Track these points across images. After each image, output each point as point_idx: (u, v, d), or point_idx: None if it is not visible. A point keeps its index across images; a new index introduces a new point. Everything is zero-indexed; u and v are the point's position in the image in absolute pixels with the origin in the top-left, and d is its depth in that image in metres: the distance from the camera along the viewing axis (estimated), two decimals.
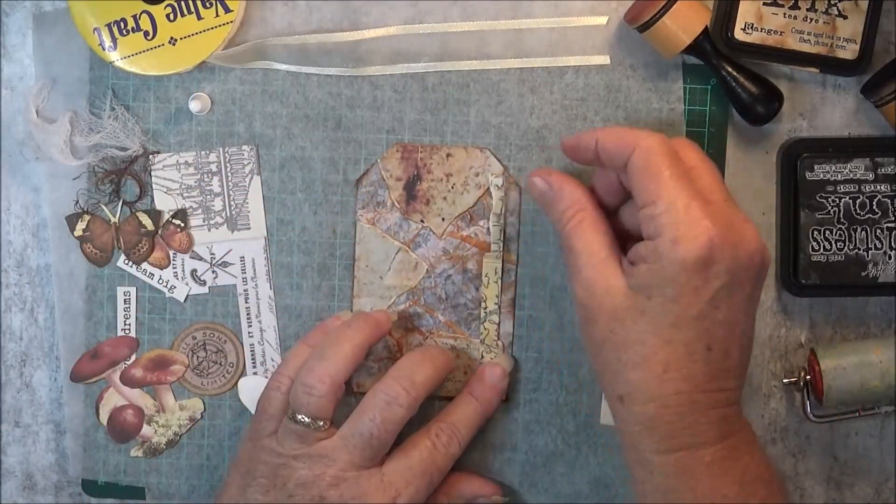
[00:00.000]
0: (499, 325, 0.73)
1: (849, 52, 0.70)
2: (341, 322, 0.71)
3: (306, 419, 0.67)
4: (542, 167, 0.70)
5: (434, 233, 0.73)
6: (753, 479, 0.63)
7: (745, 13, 0.69)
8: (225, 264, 0.74)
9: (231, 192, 0.73)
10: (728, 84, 0.70)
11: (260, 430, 0.69)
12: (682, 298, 0.60)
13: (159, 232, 0.73)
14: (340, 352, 0.68)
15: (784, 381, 0.74)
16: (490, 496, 0.72)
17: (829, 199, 0.71)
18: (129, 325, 0.74)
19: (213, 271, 0.74)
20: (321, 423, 0.67)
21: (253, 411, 0.73)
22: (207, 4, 0.69)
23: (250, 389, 0.74)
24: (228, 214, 0.73)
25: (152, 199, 0.73)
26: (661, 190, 0.60)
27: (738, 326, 0.62)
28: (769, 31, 0.70)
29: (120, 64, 0.70)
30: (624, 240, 0.66)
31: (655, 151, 0.61)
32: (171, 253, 0.74)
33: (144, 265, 0.74)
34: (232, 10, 0.70)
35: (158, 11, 0.69)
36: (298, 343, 0.71)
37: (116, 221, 0.73)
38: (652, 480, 0.63)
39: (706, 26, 0.69)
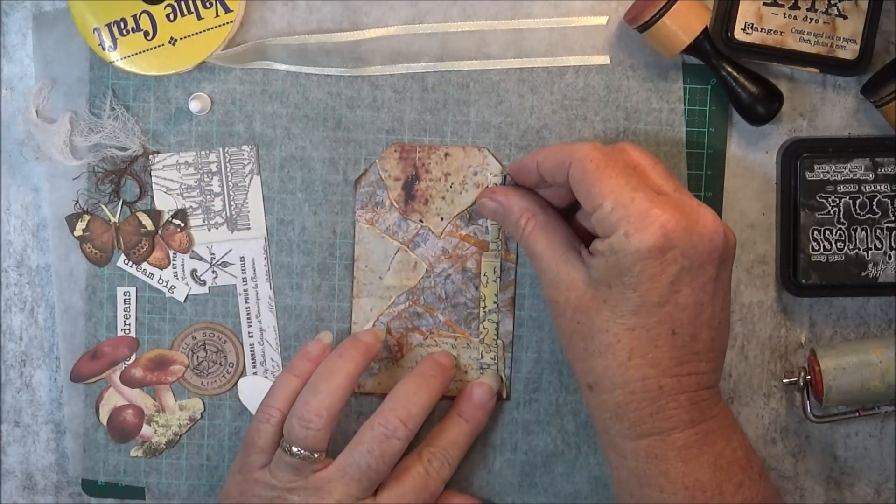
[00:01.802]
0: (498, 324, 0.73)
1: (849, 52, 0.70)
2: (332, 351, 0.71)
3: (303, 452, 0.67)
4: (487, 187, 0.72)
5: (433, 232, 0.73)
6: (729, 464, 0.63)
7: (745, 13, 0.69)
8: (225, 264, 0.74)
9: (231, 192, 0.73)
10: (728, 84, 0.70)
11: (250, 462, 0.69)
12: (640, 286, 0.61)
13: (159, 232, 0.73)
14: (335, 384, 0.68)
15: (784, 381, 0.74)
16: None
17: (829, 199, 0.71)
18: (129, 325, 0.74)
19: (213, 271, 0.74)
20: (317, 456, 0.67)
21: (253, 411, 0.73)
22: (207, 4, 0.69)
23: (250, 389, 0.74)
24: (228, 214, 0.73)
25: (152, 199, 0.73)
26: (604, 190, 0.61)
27: (706, 309, 0.62)
28: (769, 31, 0.70)
29: (120, 64, 0.70)
30: (586, 240, 0.66)
31: (589, 157, 0.62)
32: (171, 253, 0.74)
33: (144, 265, 0.74)
34: (232, 10, 0.70)
35: (158, 11, 0.69)
36: (283, 373, 0.71)
37: (116, 221, 0.73)
38: (626, 465, 0.64)
39: (706, 26, 0.69)
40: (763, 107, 0.70)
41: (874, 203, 0.71)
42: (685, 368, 0.62)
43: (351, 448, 0.68)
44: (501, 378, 0.73)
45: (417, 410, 0.69)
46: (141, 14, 0.69)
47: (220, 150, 0.73)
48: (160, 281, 0.74)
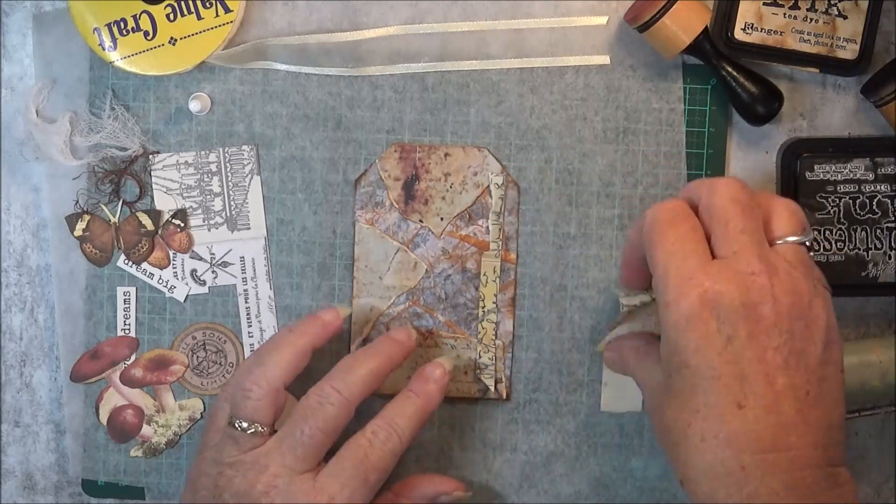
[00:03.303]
0: (497, 324, 0.73)
1: (849, 52, 0.70)
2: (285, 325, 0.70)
3: (244, 423, 0.66)
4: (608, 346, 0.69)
5: (433, 232, 0.73)
6: None
7: (745, 13, 0.69)
8: (225, 264, 0.74)
9: (231, 192, 0.73)
10: (728, 84, 0.70)
11: (206, 441, 0.68)
12: (690, 361, 0.58)
13: (159, 232, 0.73)
14: (278, 356, 0.67)
15: None
16: (451, 492, 0.71)
17: (829, 199, 0.71)
18: (129, 325, 0.74)
19: (213, 271, 0.74)
20: (259, 428, 0.66)
21: None
22: (207, 4, 0.69)
23: None
24: (228, 214, 0.73)
25: (152, 199, 0.73)
26: (657, 256, 0.59)
27: (778, 380, 0.57)
28: (769, 31, 0.70)
29: (120, 64, 0.70)
30: None
31: (656, 219, 0.60)
32: (171, 253, 0.74)
33: (144, 265, 0.74)
34: (232, 10, 0.70)
35: (158, 11, 0.69)
36: (251, 354, 0.71)
37: (116, 221, 0.73)
38: None
39: (706, 26, 0.69)
40: (763, 107, 0.70)
41: (874, 203, 0.71)
42: (772, 444, 0.57)
43: (288, 422, 0.66)
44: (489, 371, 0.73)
45: (355, 379, 0.67)
46: (141, 14, 0.69)
47: (220, 150, 0.73)
48: (160, 281, 0.74)
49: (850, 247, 0.71)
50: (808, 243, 0.60)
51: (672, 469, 0.61)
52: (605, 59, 0.72)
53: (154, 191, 0.73)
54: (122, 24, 0.69)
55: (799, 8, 0.69)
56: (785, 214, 0.60)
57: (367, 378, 0.67)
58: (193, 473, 0.68)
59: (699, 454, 0.58)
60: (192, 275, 0.74)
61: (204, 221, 0.73)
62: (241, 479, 0.65)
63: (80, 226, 0.73)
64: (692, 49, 0.69)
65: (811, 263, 0.60)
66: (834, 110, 0.73)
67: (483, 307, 0.73)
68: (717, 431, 0.57)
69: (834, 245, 0.71)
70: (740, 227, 0.58)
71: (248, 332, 0.74)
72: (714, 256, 0.59)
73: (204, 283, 0.74)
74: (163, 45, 0.70)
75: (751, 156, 0.73)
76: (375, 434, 0.66)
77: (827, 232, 0.71)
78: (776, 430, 0.57)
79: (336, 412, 0.66)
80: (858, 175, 0.71)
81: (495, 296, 0.73)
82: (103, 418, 0.75)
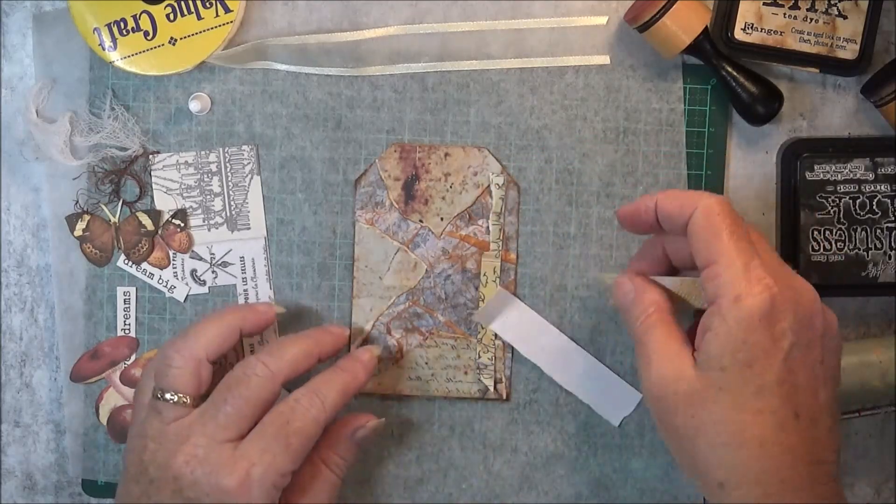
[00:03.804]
0: None
1: (849, 52, 0.70)
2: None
3: (166, 394, 0.65)
4: (624, 272, 0.66)
5: (433, 232, 0.73)
6: None
7: (745, 13, 0.69)
8: (225, 264, 0.74)
9: (231, 192, 0.73)
10: (728, 84, 0.70)
11: (134, 418, 0.68)
12: (756, 362, 0.57)
13: (159, 232, 0.73)
14: (202, 329, 0.67)
15: None
16: (365, 423, 0.70)
17: (829, 199, 0.71)
18: (129, 325, 0.74)
19: (213, 271, 0.74)
20: (181, 398, 0.65)
21: None
22: (207, 4, 0.69)
23: None
24: (228, 214, 0.73)
25: (152, 199, 0.73)
26: (722, 248, 0.59)
27: (820, 393, 0.59)
28: (769, 31, 0.70)
29: (120, 64, 0.70)
30: None
31: (716, 211, 0.59)
32: (171, 253, 0.74)
33: (144, 265, 0.74)
34: (232, 10, 0.70)
35: (158, 11, 0.69)
36: None
37: (116, 221, 0.73)
38: None
39: (706, 26, 0.69)
40: (763, 107, 0.70)
41: (874, 203, 0.71)
42: (816, 456, 0.58)
43: (213, 393, 0.66)
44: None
45: (284, 355, 0.67)
46: (141, 14, 0.69)
47: (220, 150, 0.73)
48: (160, 281, 0.74)
49: (850, 247, 0.71)
50: None
51: (698, 469, 0.60)
52: (605, 59, 0.72)
53: (154, 191, 0.73)
54: (122, 24, 0.69)
55: (799, 8, 0.69)
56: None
57: (296, 356, 0.67)
58: (124, 452, 0.67)
59: (755, 459, 0.57)
60: (192, 275, 0.74)
61: (204, 221, 0.73)
62: (163, 451, 0.64)
63: (80, 226, 0.73)
64: (692, 49, 0.69)
65: None
66: (834, 110, 0.73)
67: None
68: (777, 438, 0.57)
69: (834, 245, 0.71)
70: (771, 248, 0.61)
71: None
72: None
73: (204, 283, 0.74)
74: (163, 45, 0.70)
75: (751, 156, 0.73)
76: (298, 401, 0.66)
77: (827, 232, 0.71)
78: (817, 443, 0.58)
79: (261, 383, 0.65)
80: (858, 175, 0.71)
81: None
82: (103, 418, 0.75)
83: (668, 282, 0.64)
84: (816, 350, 0.59)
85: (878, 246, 0.71)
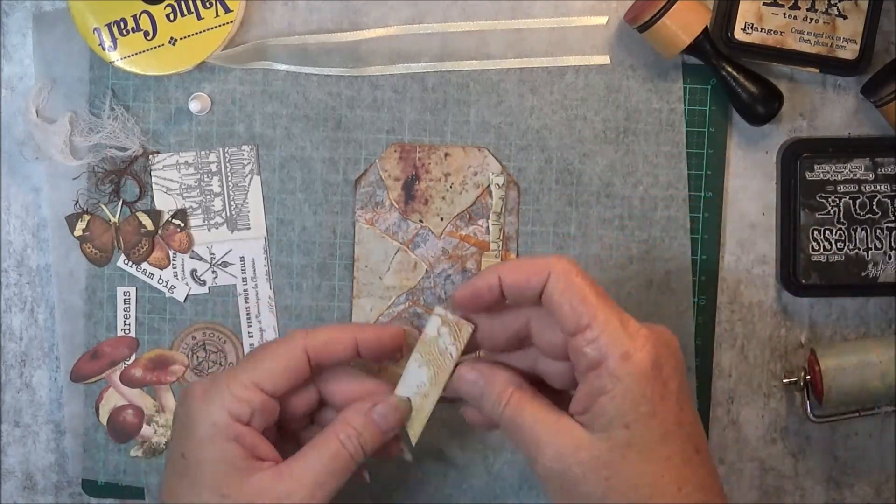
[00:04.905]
0: None
1: (849, 52, 0.70)
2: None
3: None
4: (467, 360, 0.64)
5: (433, 232, 0.73)
6: None
7: (745, 13, 0.69)
8: (225, 264, 0.74)
9: (231, 192, 0.73)
10: (728, 84, 0.70)
11: None
12: (657, 411, 0.57)
13: (159, 232, 0.73)
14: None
15: (784, 381, 0.74)
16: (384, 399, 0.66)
17: (829, 199, 0.71)
18: (129, 325, 0.74)
19: (213, 271, 0.74)
20: None
21: None
22: (207, 4, 0.69)
23: None
24: (228, 214, 0.73)
25: (152, 199, 0.73)
26: (593, 310, 0.57)
27: (699, 426, 0.60)
28: (769, 31, 0.70)
29: (120, 64, 0.70)
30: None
31: (573, 273, 0.58)
32: (170, 253, 0.74)
33: (144, 265, 0.74)
34: (232, 11, 0.70)
35: (158, 11, 0.69)
36: None
37: (116, 221, 0.73)
38: None
39: (706, 26, 0.69)
40: (763, 107, 0.70)
41: (874, 203, 0.71)
42: (717, 486, 0.60)
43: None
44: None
45: (318, 329, 0.65)
46: (141, 14, 0.69)
47: (220, 150, 0.73)
48: (160, 281, 0.74)
49: (850, 247, 0.71)
50: None
51: None
52: (605, 59, 0.72)
53: (154, 191, 0.73)
54: (122, 24, 0.69)
55: (799, 8, 0.69)
56: None
57: (331, 334, 0.65)
58: None
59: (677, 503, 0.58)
60: (192, 275, 0.74)
61: (204, 221, 0.73)
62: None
63: (80, 226, 0.73)
64: (692, 49, 0.69)
65: None
66: (834, 110, 0.73)
67: None
68: (688, 477, 0.58)
69: (834, 245, 0.71)
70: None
71: (248, 332, 0.74)
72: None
73: (204, 283, 0.74)
74: (163, 45, 0.70)
75: (751, 156, 0.73)
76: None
77: (827, 232, 0.71)
78: (714, 476, 0.60)
79: (285, 341, 0.65)
80: (858, 175, 0.71)
81: None
82: (103, 418, 0.75)
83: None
84: (686, 384, 0.59)
85: (878, 246, 0.71)
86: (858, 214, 0.71)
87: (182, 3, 0.69)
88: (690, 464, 0.58)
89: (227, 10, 0.70)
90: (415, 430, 0.65)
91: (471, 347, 0.63)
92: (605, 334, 0.57)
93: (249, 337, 0.74)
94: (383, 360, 0.68)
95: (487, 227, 0.73)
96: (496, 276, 0.60)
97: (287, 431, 0.67)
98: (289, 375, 0.64)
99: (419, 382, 0.65)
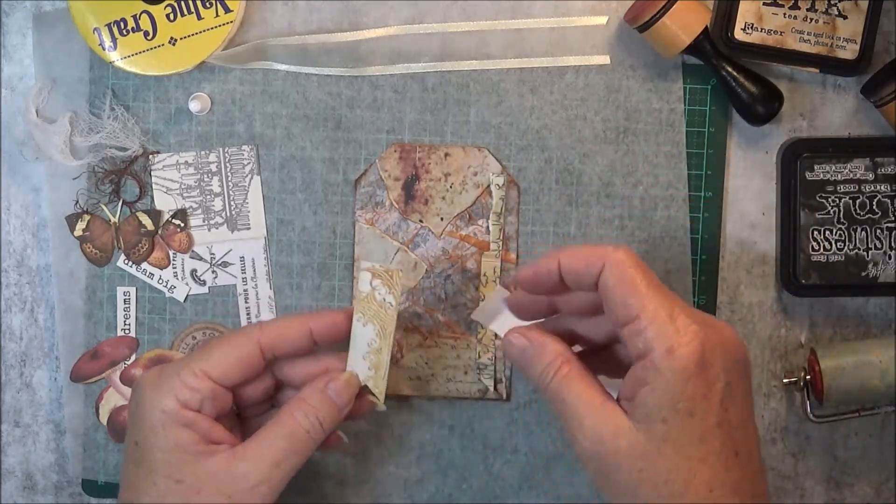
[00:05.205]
0: None
1: (849, 52, 0.70)
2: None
3: None
4: (517, 327, 0.64)
5: (433, 232, 0.73)
6: None
7: (745, 13, 0.69)
8: (225, 264, 0.74)
9: (231, 192, 0.73)
10: (728, 84, 0.70)
11: None
12: (696, 410, 0.57)
13: (159, 232, 0.73)
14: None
15: (784, 381, 0.74)
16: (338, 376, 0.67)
17: (829, 199, 0.71)
18: (129, 325, 0.74)
19: (213, 271, 0.74)
20: None
21: None
22: (207, 4, 0.69)
23: None
24: (228, 214, 0.73)
25: (152, 199, 0.73)
26: (643, 301, 0.58)
27: (749, 427, 0.59)
28: (769, 31, 0.70)
29: (120, 64, 0.70)
30: None
31: (628, 264, 0.58)
32: (171, 253, 0.74)
33: (144, 265, 0.74)
34: (232, 11, 0.70)
35: (158, 11, 0.69)
36: None
37: (116, 221, 0.73)
38: None
39: (706, 26, 0.69)
40: (763, 107, 0.70)
41: (874, 203, 0.71)
42: (758, 490, 0.59)
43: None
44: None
45: (272, 321, 0.67)
46: (141, 14, 0.69)
47: (220, 150, 0.73)
48: (160, 281, 0.74)
49: (850, 247, 0.71)
50: None
51: None
52: (605, 59, 0.72)
53: (154, 191, 0.73)
54: (122, 24, 0.69)
55: (799, 8, 0.69)
56: None
57: (285, 323, 0.66)
58: None
59: None
60: (192, 275, 0.74)
61: (204, 221, 0.73)
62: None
63: (80, 226, 0.73)
64: (692, 49, 0.69)
65: None
66: (834, 110, 0.73)
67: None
68: (724, 479, 0.57)
69: (834, 245, 0.71)
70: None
71: None
72: None
73: (204, 283, 0.74)
74: (163, 45, 0.70)
75: (751, 156, 0.73)
76: None
77: (827, 232, 0.71)
78: (756, 478, 0.59)
79: (241, 331, 0.66)
80: (858, 175, 0.71)
81: None
82: (103, 418, 0.75)
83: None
84: (742, 385, 0.59)
85: (878, 246, 0.71)
86: (858, 214, 0.71)
87: (182, 3, 0.69)
88: (727, 466, 0.57)
89: (227, 10, 0.70)
90: (379, 388, 0.66)
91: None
92: (651, 327, 0.57)
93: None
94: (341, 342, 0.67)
95: (487, 227, 0.73)
96: (556, 261, 0.61)
97: (246, 417, 0.67)
98: (241, 367, 0.64)
99: (369, 341, 0.65)
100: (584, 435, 0.58)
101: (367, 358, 0.66)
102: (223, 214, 0.73)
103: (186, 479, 0.61)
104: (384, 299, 0.65)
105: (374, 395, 0.66)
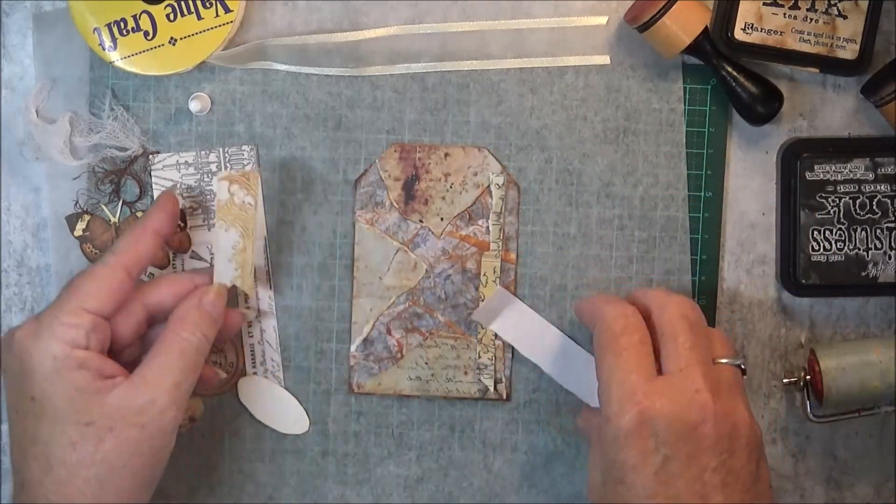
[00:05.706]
0: None
1: (849, 52, 0.70)
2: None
3: None
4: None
5: (433, 232, 0.73)
6: None
7: (745, 13, 0.69)
8: None
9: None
10: (728, 84, 0.70)
11: None
12: (626, 477, 0.58)
13: None
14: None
15: (784, 381, 0.74)
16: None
17: (829, 199, 0.71)
18: None
19: None
20: None
21: (253, 412, 0.74)
22: (207, 4, 0.69)
23: (250, 389, 0.74)
24: None
25: (152, 199, 0.73)
26: (604, 365, 0.60)
27: (713, 499, 0.58)
28: (769, 31, 0.70)
29: (120, 64, 0.70)
30: None
31: (608, 328, 0.61)
32: (171, 253, 0.74)
33: None
34: (232, 11, 0.70)
35: (158, 11, 0.69)
36: None
37: (116, 221, 0.73)
38: None
39: (706, 26, 0.69)
40: (763, 107, 0.70)
41: (874, 203, 0.71)
42: None
43: None
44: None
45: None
46: (141, 14, 0.69)
47: (220, 150, 0.73)
48: None
49: (850, 247, 0.71)
50: (742, 366, 0.63)
51: None
52: (605, 59, 0.72)
53: (154, 191, 0.73)
54: (122, 24, 0.69)
55: (799, 8, 0.69)
56: (721, 339, 0.64)
57: (131, 236, 0.67)
58: None
59: None
60: None
61: (204, 221, 0.73)
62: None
63: (80, 226, 0.73)
64: (692, 49, 0.69)
65: (744, 385, 0.63)
66: (834, 110, 0.73)
67: None
68: None
69: (834, 245, 0.71)
70: (689, 345, 0.61)
71: (248, 332, 0.74)
72: (660, 371, 0.61)
73: None
74: (163, 45, 0.70)
75: (751, 156, 0.73)
76: None
77: (827, 232, 0.71)
78: None
79: (100, 259, 0.66)
80: (858, 175, 0.71)
81: None
82: None
83: None
84: (705, 457, 0.58)
85: (878, 246, 0.71)
86: (858, 214, 0.71)
87: (182, 3, 0.69)
88: None
89: (227, 10, 0.70)
90: (247, 284, 0.69)
91: None
92: (603, 394, 0.61)
93: (249, 337, 0.74)
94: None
95: (487, 227, 0.73)
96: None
97: (122, 361, 0.66)
98: (112, 293, 0.64)
99: (233, 243, 0.68)
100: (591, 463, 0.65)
101: (234, 259, 0.68)
102: None
103: (95, 419, 0.61)
104: (243, 201, 0.68)
105: (245, 293, 0.70)
